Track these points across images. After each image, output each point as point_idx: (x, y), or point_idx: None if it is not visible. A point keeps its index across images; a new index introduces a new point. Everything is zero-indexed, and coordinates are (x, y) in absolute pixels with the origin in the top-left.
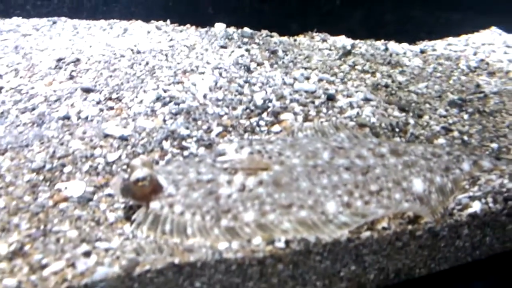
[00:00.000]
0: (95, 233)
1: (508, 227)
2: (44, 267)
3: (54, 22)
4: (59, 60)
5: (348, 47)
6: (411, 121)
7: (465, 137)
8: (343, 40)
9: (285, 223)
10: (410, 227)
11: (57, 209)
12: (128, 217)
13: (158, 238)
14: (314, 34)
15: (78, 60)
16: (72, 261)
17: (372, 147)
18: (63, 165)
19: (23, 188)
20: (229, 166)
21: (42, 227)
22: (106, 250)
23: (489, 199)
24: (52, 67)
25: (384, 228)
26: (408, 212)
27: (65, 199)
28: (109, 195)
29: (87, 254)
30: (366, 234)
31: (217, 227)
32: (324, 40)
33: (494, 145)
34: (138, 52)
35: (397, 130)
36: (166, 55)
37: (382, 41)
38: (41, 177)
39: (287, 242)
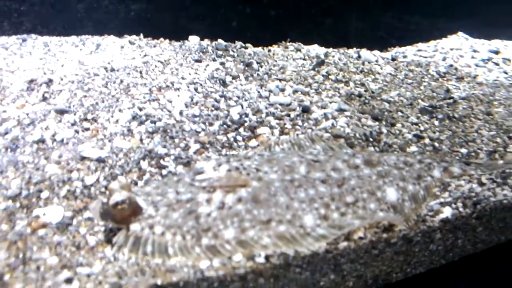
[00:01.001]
0: (76, 258)
1: (478, 229)
2: None
3: (24, 40)
4: (31, 81)
5: (322, 57)
6: (384, 130)
7: (436, 144)
8: (316, 49)
9: (265, 238)
10: (385, 235)
11: (36, 236)
12: (109, 240)
13: (140, 259)
14: (288, 44)
15: (50, 80)
16: None
17: (346, 158)
18: (40, 191)
19: (0, 217)
20: (208, 185)
21: (21, 255)
22: (88, 275)
23: (459, 204)
24: (24, 89)
25: (360, 238)
26: (383, 221)
27: (44, 226)
28: (89, 218)
29: (69, 280)
30: (343, 244)
31: (198, 246)
32: (298, 50)
33: (463, 150)
34: (112, 69)
35: (371, 139)
36: (141, 72)
37: (355, 49)
38: (17, 204)
39: (267, 257)
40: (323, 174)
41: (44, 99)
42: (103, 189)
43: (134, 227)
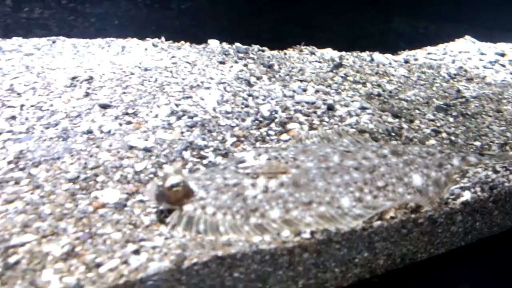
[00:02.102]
0: (137, 234)
1: (494, 213)
2: (99, 265)
3: (54, 42)
4: (73, 78)
5: (337, 60)
6: (405, 125)
7: (452, 138)
8: (330, 53)
9: (307, 217)
10: (413, 215)
11: (98, 214)
12: (161, 220)
13: (194, 237)
14: (302, 47)
15: (91, 78)
16: (125, 258)
17: (375, 149)
18: (96, 175)
19: (64, 196)
20: (251, 172)
21: (87, 230)
22: (153, 248)
23: (477, 189)
24: (68, 85)
25: (391, 218)
26: (410, 203)
27: (103, 206)
28: (141, 201)
29: (136, 252)
30: (377, 223)
31: (247, 225)
32: (312, 53)
33: (477, 143)
34: (146, 69)
35: (393, 134)
36: (171, 72)
37: (367, 52)
38: (77, 186)
39: (312, 233)
40: (355, 162)
41: (87, 94)
42: (151, 175)
43: (187, 207)
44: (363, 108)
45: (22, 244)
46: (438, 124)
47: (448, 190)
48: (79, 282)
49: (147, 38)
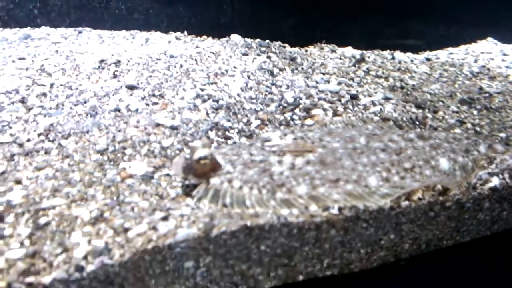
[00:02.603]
0: (164, 203)
1: None
2: (127, 230)
3: (80, 32)
4: (101, 61)
5: (358, 56)
6: (429, 115)
7: (477, 128)
8: (350, 51)
9: (334, 194)
10: (441, 198)
11: (125, 184)
12: (187, 194)
13: (220, 209)
14: (323, 45)
15: (119, 61)
16: (153, 224)
17: (401, 133)
18: (124, 148)
19: (93, 166)
20: (277, 149)
21: (115, 198)
22: (181, 215)
23: (506, 175)
24: (96, 67)
25: (419, 199)
26: (438, 185)
27: (131, 176)
28: (167, 175)
29: (165, 218)
30: (405, 203)
31: (273, 199)
32: (333, 51)
33: (502, 135)
34: (171, 56)
35: (417, 123)
36: (196, 60)
37: (388, 51)
38: (105, 157)
39: (340, 209)
40: (381, 144)
41: (115, 76)
42: (177, 152)
43: (214, 181)
44: (386, 99)
45: (52, 207)
46: (462, 116)
47: (475, 175)
48: (107, 246)
49: (170, 32)
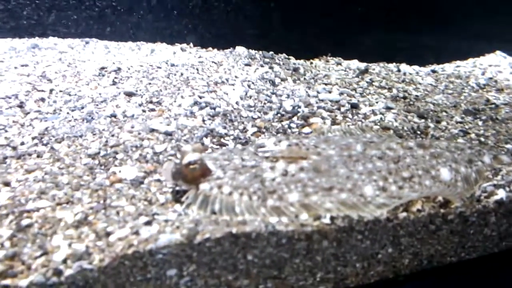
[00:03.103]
0: (151, 209)
1: None
2: (109, 234)
3: (87, 42)
4: (102, 68)
5: (363, 68)
6: (431, 125)
7: (482, 139)
8: (356, 63)
9: (328, 203)
10: (442, 210)
11: (114, 188)
12: (177, 200)
13: (208, 216)
14: (329, 58)
15: (119, 69)
16: (136, 229)
17: (400, 141)
18: (116, 153)
19: (82, 169)
20: (271, 155)
21: (102, 201)
22: (166, 221)
23: None
24: (96, 74)
25: (418, 210)
26: (439, 196)
27: (120, 180)
28: (158, 180)
29: (148, 223)
30: (403, 214)
31: (264, 207)
32: (338, 63)
33: (509, 146)
34: (172, 65)
35: (418, 132)
36: (197, 69)
37: (394, 63)
38: (96, 162)
39: (332, 219)
40: (379, 151)
41: (114, 83)
42: (170, 158)
43: (204, 186)
44: (388, 108)
45: (37, 209)
46: (467, 126)
47: (479, 187)
48: (87, 250)
49: (176, 44)
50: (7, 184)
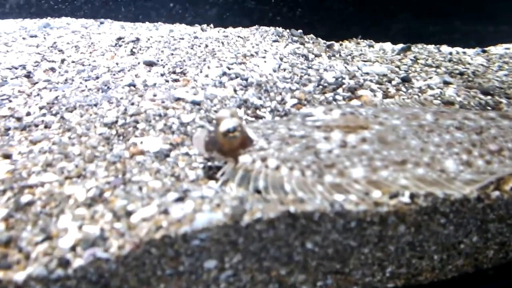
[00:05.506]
0: (180, 185)
1: None
2: (130, 213)
3: (102, 23)
4: (118, 39)
5: (399, 48)
6: (503, 100)
7: None
8: (390, 46)
9: (401, 179)
10: None
11: (135, 160)
12: (210, 177)
13: (251, 196)
14: (359, 40)
15: (137, 39)
16: (164, 207)
17: (477, 111)
18: (136, 122)
19: (97, 139)
20: (322, 124)
21: (121, 175)
22: (202, 197)
23: None
24: (113, 45)
25: None
26: None
27: (142, 153)
28: (186, 154)
29: (180, 199)
30: (495, 193)
31: (320, 184)
32: (370, 46)
33: None
34: (196, 37)
35: (489, 108)
36: (223, 43)
37: (433, 45)
38: (113, 132)
39: (413, 197)
40: (455, 121)
41: (132, 53)
42: (200, 129)
43: (244, 159)
44: (446, 83)
45: (41, 184)
46: None
47: None
48: (102, 234)
49: (195, 25)
50: (7, 156)
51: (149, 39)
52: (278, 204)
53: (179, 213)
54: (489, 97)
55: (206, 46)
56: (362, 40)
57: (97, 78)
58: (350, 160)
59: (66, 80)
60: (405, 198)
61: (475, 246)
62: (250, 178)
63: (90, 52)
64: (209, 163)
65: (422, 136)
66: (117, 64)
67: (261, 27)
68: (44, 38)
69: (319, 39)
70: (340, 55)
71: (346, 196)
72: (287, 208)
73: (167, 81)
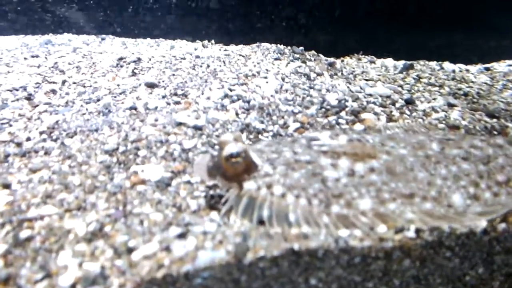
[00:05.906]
0: (182, 217)
1: None
2: (131, 250)
3: (103, 39)
4: (120, 59)
5: (402, 66)
6: (510, 124)
7: None
8: (392, 62)
9: (408, 213)
10: None
11: (135, 191)
12: (211, 206)
13: (255, 227)
14: (361, 56)
15: (139, 59)
16: (166, 244)
17: (484, 138)
18: (137, 149)
19: (97, 168)
20: (329, 150)
21: (121, 207)
22: (204, 233)
23: None
24: (114, 65)
25: None
26: None
27: (143, 182)
28: (188, 182)
29: (182, 236)
30: (501, 226)
31: (327, 214)
32: (371, 62)
33: None
34: (197, 57)
35: (495, 133)
36: (224, 62)
37: (435, 62)
38: (114, 159)
39: (418, 231)
40: (461, 151)
41: (134, 74)
42: (201, 154)
43: (249, 185)
44: (450, 105)
45: (40, 218)
46: None
47: None
48: (103, 271)
49: (197, 41)
50: (6, 186)
51: (150, 59)
52: (281, 240)
53: (181, 251)
54: (494, 120)
55: (208, 66)
56: (363, 56)
57: (98, 100)
58: (358, 190)
59: (67, 102)
60: (411, 233)
61: (481, 278)
62: (255, 206)
63: (92, 73)
64: (211, 192)
65: (429, 169)
66: (118, 85)
67: (262, 44)
68: (46, 58)
69: (321, 55)
70: (342, 74)
71: (351, 231)
72: (291, 245)
73: (168, 103)
